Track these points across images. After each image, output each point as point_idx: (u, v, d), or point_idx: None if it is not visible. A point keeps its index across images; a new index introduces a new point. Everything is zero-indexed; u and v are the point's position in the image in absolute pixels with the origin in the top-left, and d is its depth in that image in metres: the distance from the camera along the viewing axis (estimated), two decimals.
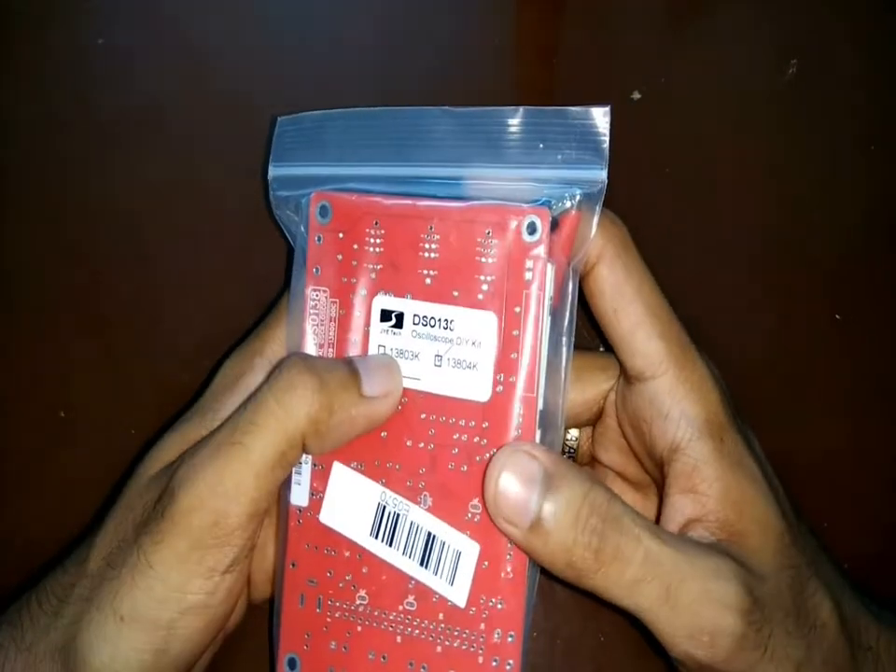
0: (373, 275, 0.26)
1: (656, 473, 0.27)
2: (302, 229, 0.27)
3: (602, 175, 0.25)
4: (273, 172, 0.28)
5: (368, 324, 0.26)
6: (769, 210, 0.37)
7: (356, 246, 0.26)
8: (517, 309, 0.25)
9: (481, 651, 0.25)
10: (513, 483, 0.23)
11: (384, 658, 0.26)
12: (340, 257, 0.26)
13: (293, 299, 0.27)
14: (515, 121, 0.26)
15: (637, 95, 0.38)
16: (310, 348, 0.26)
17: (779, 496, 0.26)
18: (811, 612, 0.24)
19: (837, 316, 0.35)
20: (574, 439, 0.30)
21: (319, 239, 0.27)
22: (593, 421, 0.30)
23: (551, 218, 0.25)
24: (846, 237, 0.37)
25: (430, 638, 0.25)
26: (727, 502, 0.25)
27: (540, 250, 0.25)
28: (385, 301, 0.26)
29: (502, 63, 0.40)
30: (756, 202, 0.37)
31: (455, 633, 0.25)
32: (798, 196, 0.37)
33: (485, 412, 0.25)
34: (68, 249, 0.36)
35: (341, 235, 0.26)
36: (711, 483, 0.25)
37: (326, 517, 0.26)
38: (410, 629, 0.26)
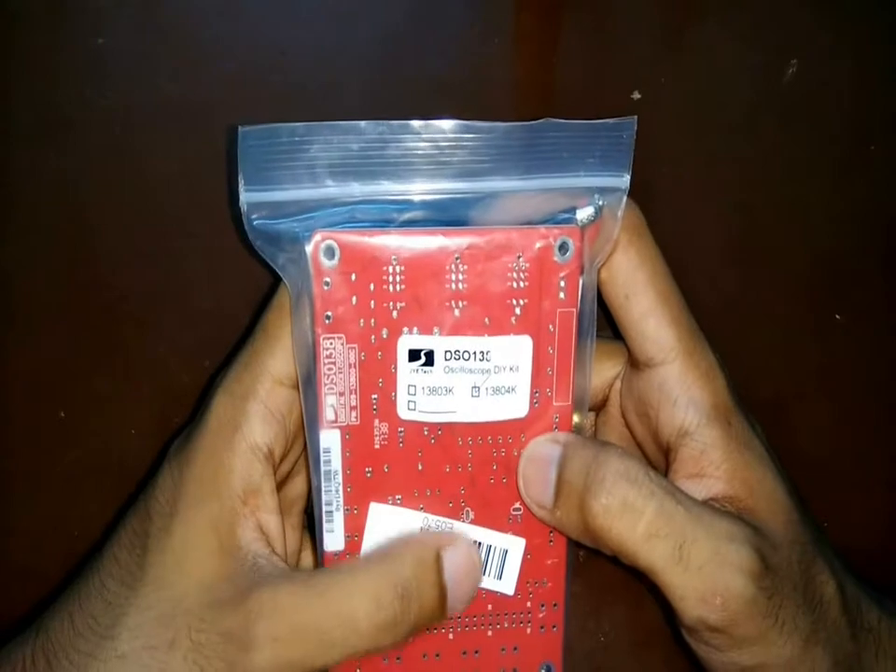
0: (395, 314, 0.24)
1: (660, 460, 0.27)
2: (283, 260, 0.24)
3: (624, 181, 0.25)
4: (245, 197, 0.24)
5: (393, 365, 0.25)
6: (769, 210, 0.37)
7: (372, 287, 0.24)
8: (551, 327, 0.25)
9: (529, 625, 0.27)
10: (535, 468, 0.25)
11: (437, 656, 0.26)
12: (354, 299, 0.24)
13: (299, 348, 0.24)
14: (536, 134, 0.24)
15: (637, 95, 0.38)
16: (329, 398, 0.25)
17: (785, 477, 0.26)
18: (817, 589, 0.25)
19: (837, 316, 0.35)
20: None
21: (327, 284, 0.24)
22: (597, 408, 0.30)
23: (581, 234, 0.25)
24: (846, 237, 0.37)
25: (481, 628, 0.26)
26: (736, 481, 0.25)
27: (573, 268, 0.25)
28: (411, 341, 0.25)
29: (502, 62, 0.40)
30: (756, 201, 0.37)
31: (504, 615, 0.26)
32: (798, 196, 0.37)
33: (523, 426, 0.25)
34: (68, 249, 0.36)
35: (353, 277, 0.24)
36: (719, 465, 0.25)
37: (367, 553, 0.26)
38: (461, 626, 0.26)
